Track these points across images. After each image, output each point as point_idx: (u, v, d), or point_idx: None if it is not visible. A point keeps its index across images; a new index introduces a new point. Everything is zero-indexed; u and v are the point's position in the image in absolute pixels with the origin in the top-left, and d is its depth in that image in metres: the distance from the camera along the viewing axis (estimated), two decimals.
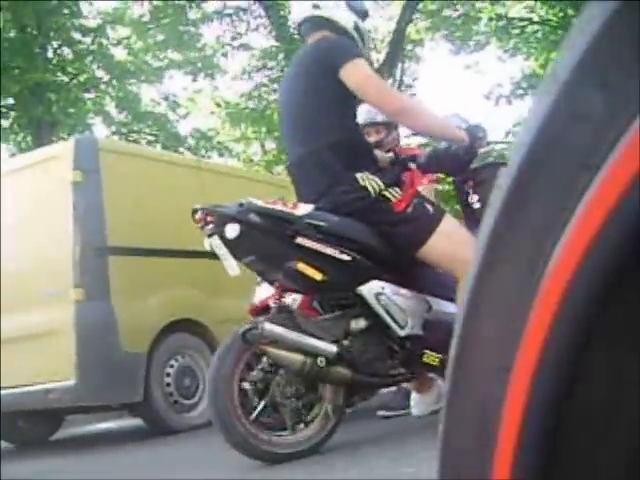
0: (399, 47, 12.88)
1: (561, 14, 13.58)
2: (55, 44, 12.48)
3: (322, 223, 2.57)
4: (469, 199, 4.04)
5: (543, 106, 0.33)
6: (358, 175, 2.58)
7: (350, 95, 2.61)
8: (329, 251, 2.55)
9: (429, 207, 2.65)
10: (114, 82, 13.21)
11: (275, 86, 12.46)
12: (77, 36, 12.60)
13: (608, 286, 0.31)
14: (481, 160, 3.10)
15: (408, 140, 6.65)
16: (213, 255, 2.63)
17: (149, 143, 13.77)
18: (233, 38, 13.65)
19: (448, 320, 2.65)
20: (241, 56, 14.48)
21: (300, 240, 2.54)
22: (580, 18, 0.33)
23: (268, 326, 2.53)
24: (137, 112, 13.85)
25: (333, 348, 2.59)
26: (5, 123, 12.61)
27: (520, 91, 13.92)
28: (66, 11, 11.88)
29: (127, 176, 4.55)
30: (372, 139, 3.56)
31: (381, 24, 14.79)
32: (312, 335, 2.60)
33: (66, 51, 12.73)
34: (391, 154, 3.15)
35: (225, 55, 13.81)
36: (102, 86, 13.27)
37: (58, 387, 4.10)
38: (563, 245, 0.32)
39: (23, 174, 4.57)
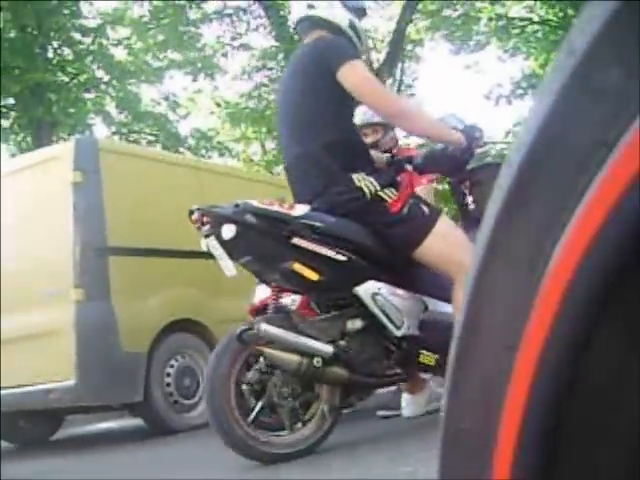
0: (399, 47, 12.88)
1: (561, 14, 13.59)
2: (55, 44, 12.47)
3: (318, 224, 2.56)
4: (465, 200, 4.03)
5: (543, 106, 0.33)
6: (354, 176, 2.58)
7: (347, 96, 2.60)
8: (325, 252, 2.55)
9: (425, 208, 2.64)
10: (114, 82, 13.20)
11: (275, 86, 12.46)
12: (77, 36, 12.59)
13: (608, 286, 0.31)
14: (478, 160, 3.08)
15: (407, 140, 6.65)
16: (212, 255, 2.63)
17: (149, 143, 13.78)
18: (233, 38, 13.68)
19: (444, 320, 2.66)
20: (241, 56, 14.56)
21: (296, 241, 2.53)
22: (580, 18, 0.33)
23: (264, 327, 2.53)
24: (137, 112, 13.85)
25: (329, 348, 2.60)
26: (5, 123, 12.61)
27: (520, 91, 13.93)
28: (66, 11, 11.89)
29: (127, 176, 4.55)
30: (369, 140, 3.56)
31: (381, 24, 14.84)
32: (308, 335, 2.60)
33: (66, 51, 12.72)
34: (388, 155, 3.15)
35: (225, 55, 13.84)
36: (102, 86, 13.27)
37: (58, 387, 4.10)
38: (563, 245, 0.32)
39: (23, 174, 4.57)
